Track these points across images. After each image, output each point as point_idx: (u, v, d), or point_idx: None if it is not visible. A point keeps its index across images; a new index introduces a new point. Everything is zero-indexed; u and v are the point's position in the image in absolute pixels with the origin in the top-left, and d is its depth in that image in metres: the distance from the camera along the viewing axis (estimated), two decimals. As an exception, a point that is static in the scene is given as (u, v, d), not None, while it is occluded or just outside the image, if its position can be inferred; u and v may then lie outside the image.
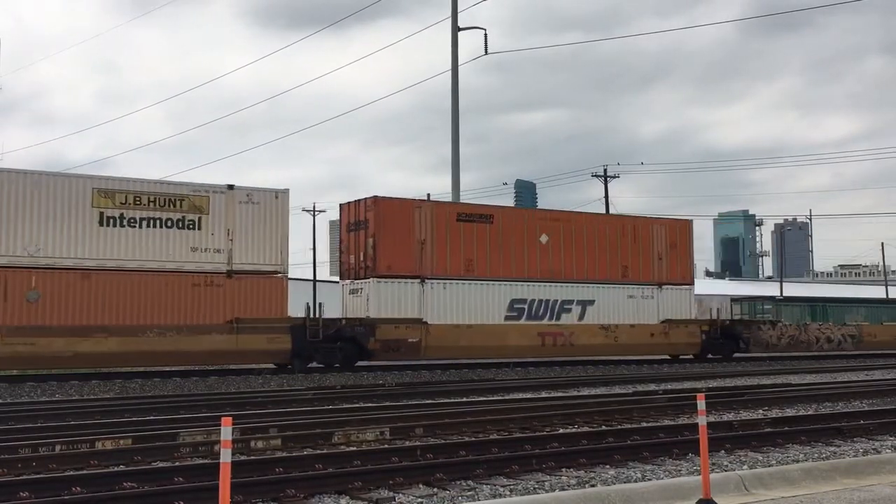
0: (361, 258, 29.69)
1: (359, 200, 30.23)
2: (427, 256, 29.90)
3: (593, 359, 33.12)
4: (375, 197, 29.62)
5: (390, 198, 30.18)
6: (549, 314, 31.99)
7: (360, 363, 28.77)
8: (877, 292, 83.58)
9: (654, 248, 34.77)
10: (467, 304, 30.32)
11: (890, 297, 78.37)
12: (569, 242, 32.88)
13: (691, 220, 36.92)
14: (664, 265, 34.89)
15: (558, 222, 33.01)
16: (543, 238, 32.25)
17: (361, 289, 29.64)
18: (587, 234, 33.44)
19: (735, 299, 46.51)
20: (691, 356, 35.61)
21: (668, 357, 35.55)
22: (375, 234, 29.23)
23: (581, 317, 32.58)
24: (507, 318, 31.05)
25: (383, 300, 29.01)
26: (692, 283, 36.09)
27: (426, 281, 29.69)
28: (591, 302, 32.94)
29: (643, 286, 34.25)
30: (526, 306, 31.57)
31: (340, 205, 31.23)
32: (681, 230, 36.06)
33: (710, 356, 35.66)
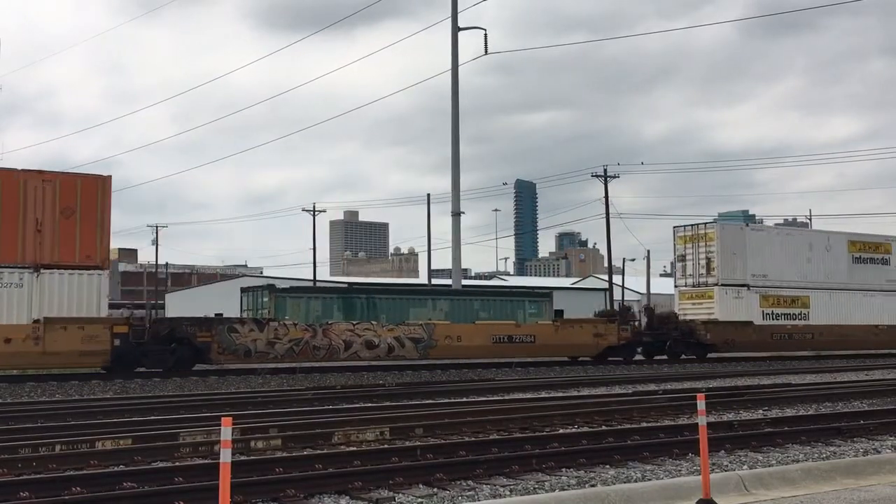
0: None
1: None
2: None
3: None
4: None
5: None
6: None
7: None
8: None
9: (27, 214, 25.04)
10: None
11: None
12: None
13: (109, 176, 26.66)
14: (48, 239, 25.19)
15: None
16: None
17: None
18: None
19: (245, 289, 33.98)
20: (101, 370, 26.23)
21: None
22: None
23: None
24: None
25: None
26: (106, 266, 26.77)
27: None
28: None
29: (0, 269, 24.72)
30: None
31: None
32: (86, 189, 25.85)
33: (144, 369, 26.61)
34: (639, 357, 37.00)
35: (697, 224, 40.04)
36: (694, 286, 38.80)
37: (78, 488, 8.70)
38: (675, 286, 40.23)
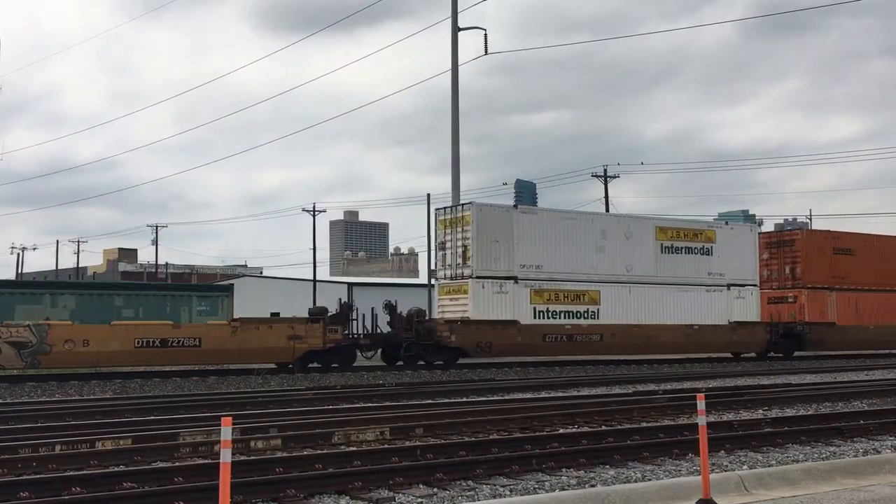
0: None
1: None
2: None
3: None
4: None
5: None
6: None
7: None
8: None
9: None
10: None
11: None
12: None
13: None
14: None
15: None
16: None
17: None
18: None
19: None
20: None
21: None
22: None
23: None
24: None
25: None
26: None
27: None
28: None
29: None
30: None
31: None
32: None
33: None
34: (373, 363, 30.92)
35: (456, 206, 33.35)
36: (452, 279, 32.18)
37: (78, 488, 8.70)
38: (436, 280, 34.06)
